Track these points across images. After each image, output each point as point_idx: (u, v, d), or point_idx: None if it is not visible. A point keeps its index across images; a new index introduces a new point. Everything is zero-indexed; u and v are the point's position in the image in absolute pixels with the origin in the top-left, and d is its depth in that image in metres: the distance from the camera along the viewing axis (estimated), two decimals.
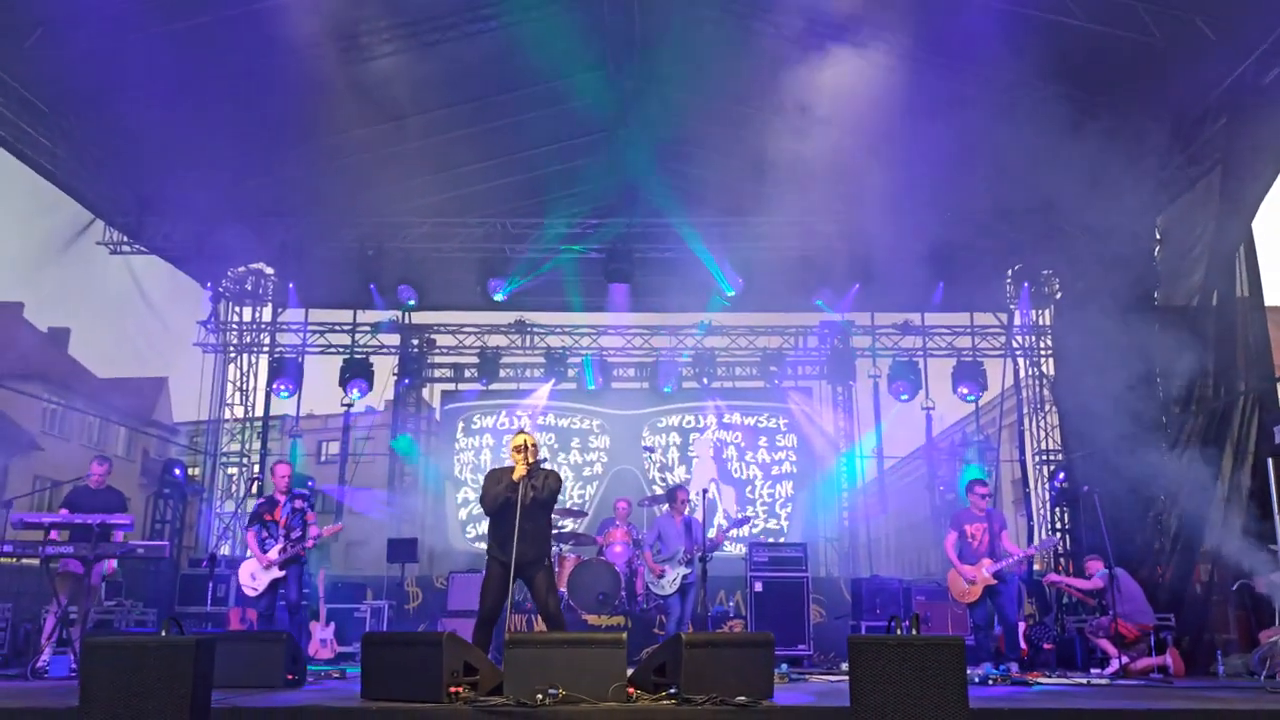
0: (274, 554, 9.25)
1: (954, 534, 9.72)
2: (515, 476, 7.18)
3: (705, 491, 10.73)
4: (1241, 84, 9.91)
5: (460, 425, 17.19)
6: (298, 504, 9.52)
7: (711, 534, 10.43)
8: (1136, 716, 5.79)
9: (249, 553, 9.58)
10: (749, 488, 16.71)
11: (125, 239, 13.66)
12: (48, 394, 27.46)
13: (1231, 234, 10.31)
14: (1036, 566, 13.48)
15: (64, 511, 9.01)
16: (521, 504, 7.06)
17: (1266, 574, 9.08)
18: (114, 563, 9.33)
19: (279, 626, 8.99)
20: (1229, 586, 9.91)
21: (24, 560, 9.04)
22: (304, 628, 9.60)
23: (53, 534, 8.72)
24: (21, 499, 10.97)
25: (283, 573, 9.26)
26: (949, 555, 9.71)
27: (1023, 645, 10.61)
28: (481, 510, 7.52)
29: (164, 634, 4.97)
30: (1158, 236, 12.18)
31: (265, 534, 9.40)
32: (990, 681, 8.38)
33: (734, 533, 12.95)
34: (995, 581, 9.34)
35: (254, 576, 9.31)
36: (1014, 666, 9.14)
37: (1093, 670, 9.84)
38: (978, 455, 15.84)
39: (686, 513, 10.65)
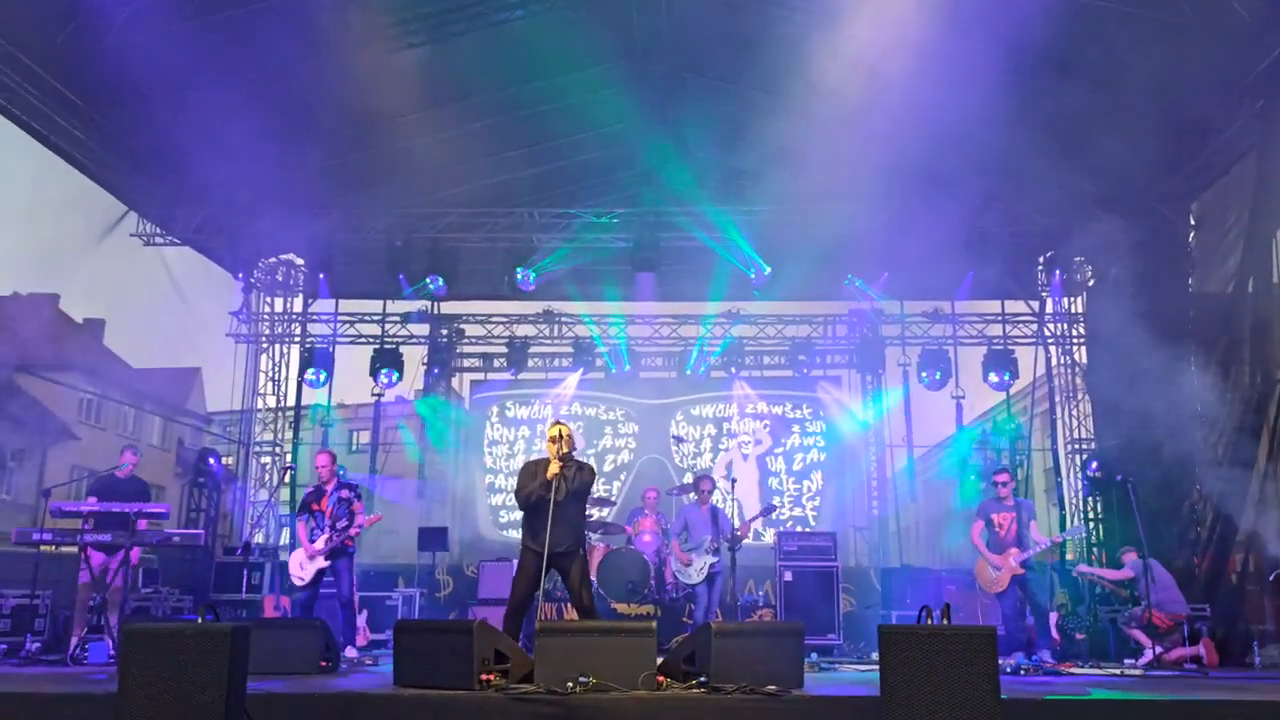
0: (320, 544, 9.12)
1: (980, 523, 9.59)
2: (550, 474, 7.22)
3: (734, 481, 10.71)
4: (1278, 66, 9.73)
5: (491, 414, 17.27)
6: (344, 494, 9.37)
7: (736, 524, 10.41)
8: (1172, 707, 5.72)
9: (298, 542, 9.46)
10: (774, 479, 16.66)
11: (158, 231, 13.80)
12: (84, 384, 27.85)
13: (1268, 219, 10.15)
14: (1069, 556, 13.34)
15: (91, 499, 9.13)
16: (554, 497, 7.12)
17: None
18: (138, 551, 9.39)
19: (330, 621, 8.77)
20: (1265, 576, 9.80)
21: (62, 548, 9.17)
22: (353, 623, 9.45)
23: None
24: (59, 488, 11.19)
25: (328, 563, 9.11)
26: (976, 544, 9.61)
27: (1055, 635, 10.52)
28: (515, 501, 7.58)
29: (201, 621, 5.03)
30: (1192, 222, 12.00)
31: (313, 524, 9.29)
32: (1023, 671, 8.32)
33: (760, 522, 12.89)
34: (1023, 571, 9.21)
35: (302, 566, 9.19)
36: (1046, 655, 9.05)
37: (1126, 660, 9.75)
38: (1009, 444, 15.68)
39: (712, 501, 10.66)
